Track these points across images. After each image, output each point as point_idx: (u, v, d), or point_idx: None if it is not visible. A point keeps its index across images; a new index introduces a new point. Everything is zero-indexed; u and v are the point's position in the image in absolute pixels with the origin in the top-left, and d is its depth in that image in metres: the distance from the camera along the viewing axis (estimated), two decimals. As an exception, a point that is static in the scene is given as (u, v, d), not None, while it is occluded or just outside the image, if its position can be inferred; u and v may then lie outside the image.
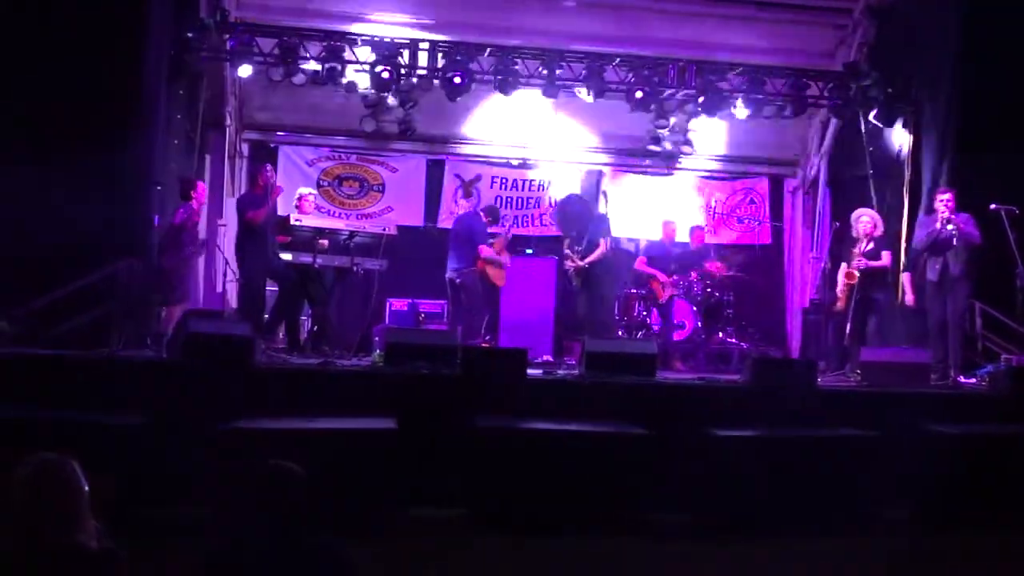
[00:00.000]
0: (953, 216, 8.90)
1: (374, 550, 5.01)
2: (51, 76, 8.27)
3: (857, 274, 9.35)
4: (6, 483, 2.94)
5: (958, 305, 9.03)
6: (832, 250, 10.50)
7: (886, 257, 9.55)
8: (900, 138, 11.13)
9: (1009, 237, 8.83)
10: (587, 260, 10.56)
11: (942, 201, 9.03)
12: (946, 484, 6.92)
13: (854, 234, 9.67)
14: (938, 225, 8.97)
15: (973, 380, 8.72)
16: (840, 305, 9.54)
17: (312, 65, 10.63)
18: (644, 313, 11.47)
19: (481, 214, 10.73)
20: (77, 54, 8.34)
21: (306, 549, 3.28)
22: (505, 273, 10.65)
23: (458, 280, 10.20)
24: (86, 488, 3.01)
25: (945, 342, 9.00)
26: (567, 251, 10.94)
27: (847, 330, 9.38)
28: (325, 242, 9.50)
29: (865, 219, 9.65)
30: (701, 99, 11.39)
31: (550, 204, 12.83)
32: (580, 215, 11.26)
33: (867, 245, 9.49)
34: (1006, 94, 9.60)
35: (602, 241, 10.64)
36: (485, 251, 10.25)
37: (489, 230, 10.62)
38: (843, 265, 9.63)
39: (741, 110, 11.48)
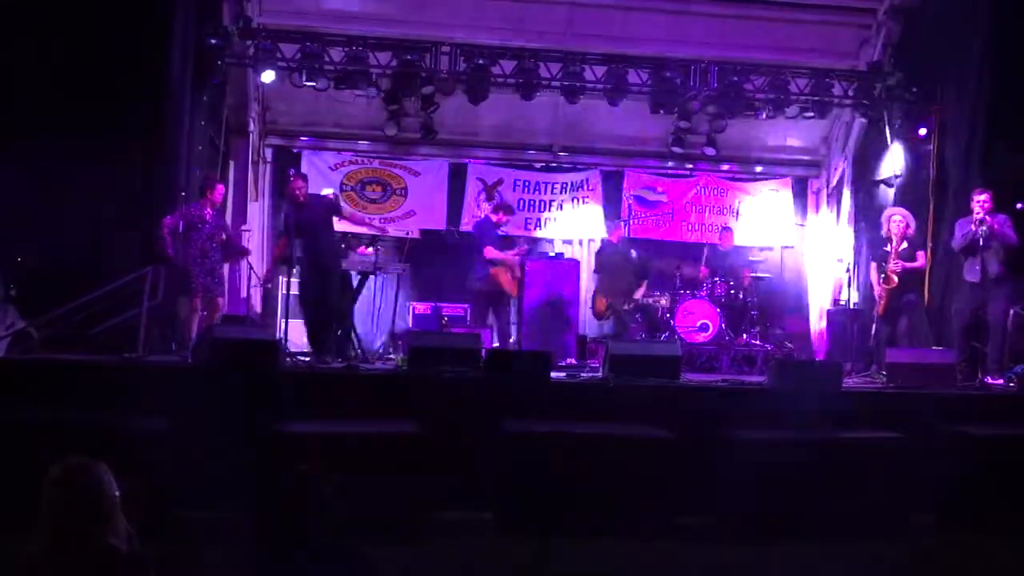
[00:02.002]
0: (988, 217, 8.83)
1: (399, 554, 5.03)
2: (76, 85, 8.35)
3: (896, 279, 9.31)
4: (37, 486, 2.97)
5: (999, 305, 8.91)
6: (857, 251, 10.41)
7: (921, 257, 9.49)
8: (925, 138, 11.04)
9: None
10: (636, 299, 11.03)
11: (978, 202, 8.95)
12: (974, 487, 6.87)
13: (884, 234, 9.57)
14: (973, 226, 8.90)
15: (1001, 381, 8.64)
16: (880, 310, 9.45)
17: (334, 70, 10.68)
18: (668, 315, 11.43)
19: (491, 216, 10.73)
20: (102, 63, 8.41)
21: (328, 552, 3.29)
22: (515, 282, 10.62)
23: (474, 287, 10.39)
24: (116, 492, 3.03)
25: (968, 343, 8.92)
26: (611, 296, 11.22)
27: (873, 331, 9.31)
28: (378, 250, 9.38)
29: (897, 218, 9.53)
30: (724, 100, 11.36)
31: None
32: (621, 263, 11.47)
33: (901, 245, 9.42)
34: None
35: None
36: (490, 252, 10.24)
37: (501, 234, 10.72)
38: (873, 265, 9.55)
39: (764, 111, 11.43)
